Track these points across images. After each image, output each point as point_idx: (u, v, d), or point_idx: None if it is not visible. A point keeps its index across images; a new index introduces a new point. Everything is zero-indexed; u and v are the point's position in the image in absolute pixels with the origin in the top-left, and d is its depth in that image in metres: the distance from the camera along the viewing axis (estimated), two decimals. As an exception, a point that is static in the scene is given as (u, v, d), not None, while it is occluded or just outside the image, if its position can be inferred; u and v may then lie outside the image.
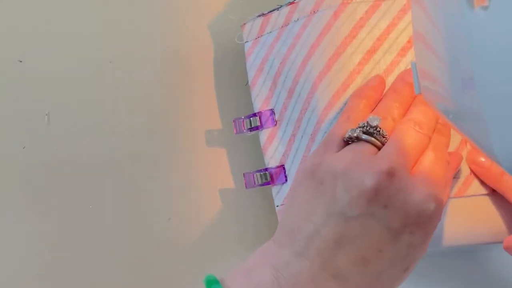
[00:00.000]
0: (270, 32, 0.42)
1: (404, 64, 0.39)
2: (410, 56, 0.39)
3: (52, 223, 0.46)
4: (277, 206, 0.41)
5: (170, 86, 0.48)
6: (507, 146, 0.26)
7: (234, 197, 0.46)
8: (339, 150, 0.34)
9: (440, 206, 0.31)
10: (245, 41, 0.44)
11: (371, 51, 0.39)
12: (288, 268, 0.31)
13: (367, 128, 0.33)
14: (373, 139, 0.33)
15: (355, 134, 0.33)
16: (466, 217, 0.38)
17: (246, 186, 0.43)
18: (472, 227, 0.38)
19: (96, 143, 0.47)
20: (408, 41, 0.39)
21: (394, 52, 0.39)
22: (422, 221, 0.30)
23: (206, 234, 0.46)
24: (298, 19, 0.40)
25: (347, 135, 0.34)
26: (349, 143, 0.34)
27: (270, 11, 0.42)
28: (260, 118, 0.42)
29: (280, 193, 0.41)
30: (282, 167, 0.41)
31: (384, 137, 0.33)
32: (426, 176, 0.32)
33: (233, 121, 0.44)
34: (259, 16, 0.43)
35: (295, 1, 0.41)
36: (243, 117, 0.43)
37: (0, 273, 0.45)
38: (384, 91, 0.38)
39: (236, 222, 0.46)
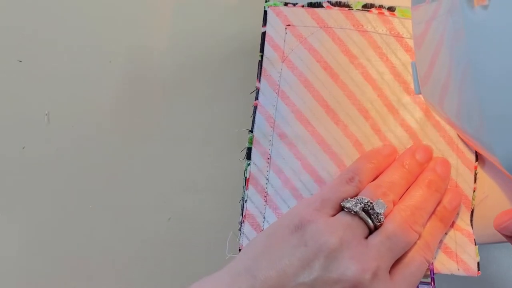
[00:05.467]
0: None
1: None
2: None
3: (52, 223, 0.46)
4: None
5: (169, 86, 0.48)
6: (507, 146, 0.26)
7: (234, 197, 0.46)
8: (333, 214, 0.34)
9: None
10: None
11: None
12: None
13: (369, 209, 0.33)
14: (369, 221, 0.33)
15: (356, 210, 0.33)
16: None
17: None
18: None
19: (96, 143, 0.47)
20: None
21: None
22: None
23: (206, 234, 0.46)
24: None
25: (347, 205, 0.33)
26: (344, 210, 0.34)
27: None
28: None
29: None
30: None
31: (380, 222, 0.34)
32: (402, 284, 0.33)
33: None
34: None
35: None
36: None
37: (0, 272, 0.45)
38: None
39: (236, 222, 0.46)
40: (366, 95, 0.39)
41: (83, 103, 0.47)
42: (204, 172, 0.46)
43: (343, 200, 0.34)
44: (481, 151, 0.37)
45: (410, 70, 0.39)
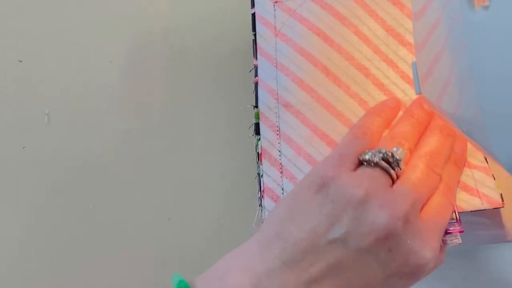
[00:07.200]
0: None
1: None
2: None
3: (52, 223, 0.46)
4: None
5: (169, 86, 0.48)
6: (507, 146, 0.26)
7: (233, 197, 0.46)
8: (354, 168, 0.33)
9: (434, 262, 0.31)
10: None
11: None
12: (270, 278, 0.29)
13: (389, 158, 0.33)
14: (391, 170, 0.32)
15: (376, 160, 0.32)
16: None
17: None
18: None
19: (96, 143, 0.47)
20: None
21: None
22: (416, 272, 0.31)
23: (206, 234, 0.46)
24: None
25: (366, 157, 0.33)
26: (364, 164, 0.33)
27: None
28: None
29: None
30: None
31: (400, 169, 0.33)
32: (433, 225, 0.32)
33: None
34: None
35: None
36: None
37: (0, 272, 0.45)
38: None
39: (236, 222, 0.46)
40: (363, 53, 0.39)
41: (83, 103, 0.47)
42: (204, 172, 0.46)
43: (360, 154, 0.33)
44: (483, 153, 0.37)
45: (401, 22, 0.39)
